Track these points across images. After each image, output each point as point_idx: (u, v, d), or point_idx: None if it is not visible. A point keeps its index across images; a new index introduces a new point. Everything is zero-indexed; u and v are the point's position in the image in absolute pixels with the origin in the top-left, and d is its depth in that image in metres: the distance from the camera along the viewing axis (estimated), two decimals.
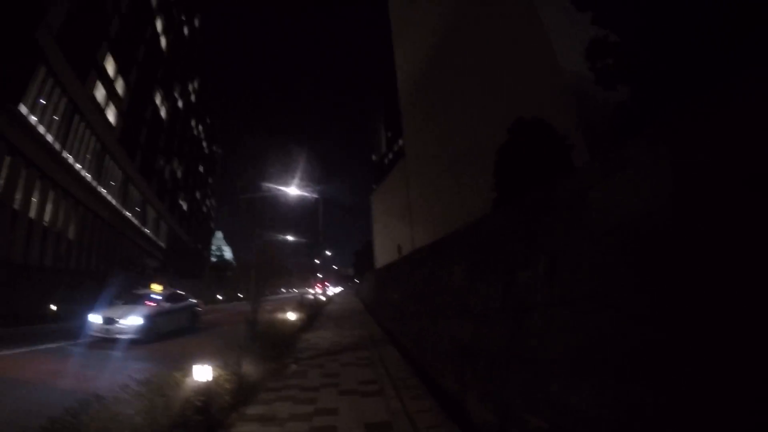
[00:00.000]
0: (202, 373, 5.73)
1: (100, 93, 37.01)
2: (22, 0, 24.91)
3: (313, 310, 24.24)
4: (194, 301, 19.76)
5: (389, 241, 35.45)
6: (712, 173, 2.49)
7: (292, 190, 21.01)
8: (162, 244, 52.96)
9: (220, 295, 46.98)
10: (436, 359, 7.85)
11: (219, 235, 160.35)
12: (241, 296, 41.98)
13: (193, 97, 67.96)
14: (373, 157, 45.50)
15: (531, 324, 4.46)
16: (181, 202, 67.07)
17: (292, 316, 16.57)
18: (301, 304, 22.12)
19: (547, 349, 4.05)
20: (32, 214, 28.88)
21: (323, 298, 39.15)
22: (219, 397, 6.08)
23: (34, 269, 26.58)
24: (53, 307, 21.48)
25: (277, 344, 11.25)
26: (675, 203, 2.72)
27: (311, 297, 36.75)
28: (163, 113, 53.73)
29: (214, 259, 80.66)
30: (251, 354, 8.68)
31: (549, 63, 15.44)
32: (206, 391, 5.67)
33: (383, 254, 37.64)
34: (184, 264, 46.66)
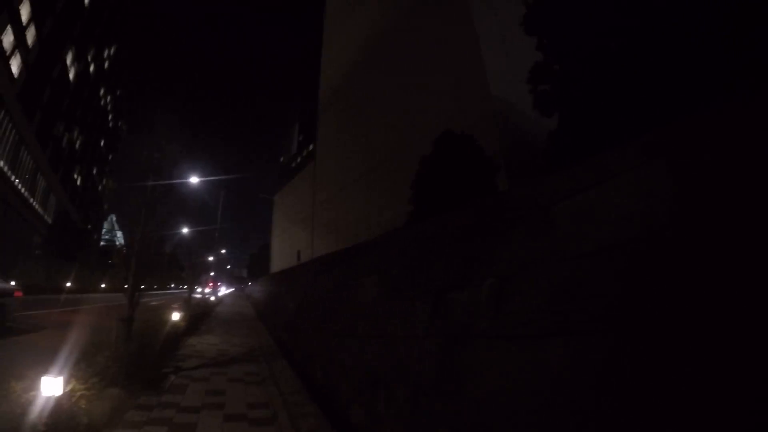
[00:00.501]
0: (52, 386, 4.50)
1: (7, 39, 33.08)
2: None
3: (201, 312, 22.51)
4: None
5: (288, 246, 34.28)
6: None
7: (194, 179, 19.96)
8: (48, 220, 48.22)
9: (105, 283, 43.48)
10: (340, 384, 6.97)
11: (113, 218, 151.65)
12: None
13: (106, 64, 62.85)
14: (282, 159, 44.07)
15: (467, 356, 3.73)
16: (76, 177, 60.89)
17: (176, 316, 14.99)
18: (188, 304, 20.42)
19: (489, 390, 3.33)
20: None
21: (213, 299, 37.09)
22: (72, 420, 4.82)
23: None
24: None
25: (155, 349, 9.93)
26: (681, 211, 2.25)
27: (201, 296, 34.74)
28: (71, 75, 48.71)
29: (103, 243, 75.06)
30: (121, 361, 7.43)
31: (480, 84, 15.42)
32: (56, 411, 4.47)
33: (281, 259, 36.33)
34: (70, 244, 42.75)
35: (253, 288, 51.11)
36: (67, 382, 4.88)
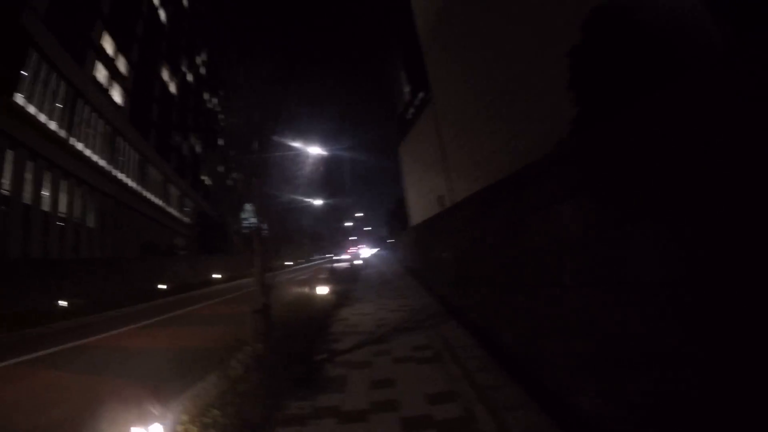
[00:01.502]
0: None
1: (101, 74, 35.54)
2: None
3: (349, 278, 21.79)
4: None
5: (424, 194, 32.28)
6: None
7: (315, 150, 19.57)
8: (188, 222, 51.68)
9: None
10: (545, 354, 5.10)
11: (248, 207, 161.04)
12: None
13: (202, 70, 65.38)
14: (397, 109, 42.06)
15: None
16: (204, 178, 64.39)
17: (322, 289, 14.03)
18: (333, 272, 19.71)
19: None
20: (45, 206, 27.77)
21: (359, 262, 36.75)
22: None
23: (42, 263, 24.54)
24: (63, 303, 19.25)
25: (303, 334, 8.81)
26: None
27: (345, 262, 34.52)
28: (172, 88, 51.65)
29: (245, 232, 79.09)
30: (261, 363, 6.34)
31: None
32: None
33: (419, 210, 34.50)
34: (211, 239, 45.43)
35: (397, 244, 50.82)
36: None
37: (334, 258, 33.58)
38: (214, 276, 35.96)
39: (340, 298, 14.74)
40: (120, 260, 30.16)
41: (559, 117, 9.97)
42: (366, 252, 63.33)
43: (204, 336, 11.59)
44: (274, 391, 5.67)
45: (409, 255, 28.14)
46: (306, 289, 14.97)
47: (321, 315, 11.53)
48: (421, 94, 34.09)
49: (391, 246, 66.74)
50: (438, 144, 26.82)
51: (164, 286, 27.23)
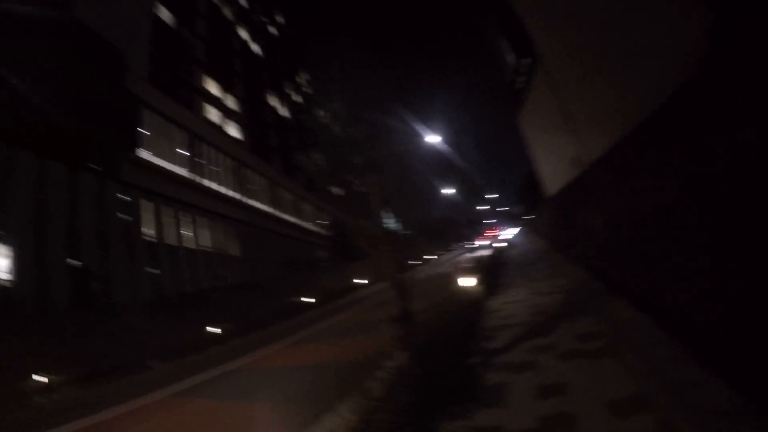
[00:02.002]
0: None
1: (213, 114, 38.25)
2: (104, 61, 26.58)
3: (493, 264, 20.78)
4: None
5: (554, 162, 30.14)
6: None
7: (435, 138, 19.60)
8: (325, 233, 53.52)
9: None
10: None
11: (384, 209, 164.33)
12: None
13: (307, 89, 67.49)
14: (506, 79, 39.80)
15: None
16: (333, 189, 66.08)
17: (466, 280, 13.23)
18: (475, 260, 18.84)
19: None
20: (189, 244, 30.35)
21: (500, 245, 35.37)
22: None
23: (194, 295, 27.25)
24: (215, 330, 20.62)
25: (451, 332, 8.19)
26: None
27: (486, 248, 33.38)
28: (283, 112, 53.84)
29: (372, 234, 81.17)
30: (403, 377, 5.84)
31: None
32: None
33: (552, 178, 32.18)
34: (349, 247, 46.89)
35: (535, 220, 48.71)
36: None
37: (474, 245, 32.32)
38: (357, 282, 36.37)
39: (487, 287, 13.84)
40: (264, 281, 31.94)
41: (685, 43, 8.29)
42: (506, 233, 61.31)
43: (345, 350, 11.39)
44: (422, 411, 5.03)
45: (550, 229, 26.43)
46: (449, 283, 14.29)
47: (469, 309, 10.80)
48: (527, 60, 32.07)
49: (530, 223, 64.07)
50: (557, 105, 24.84)
51: (309, 300, 28.13)
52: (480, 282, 13.38)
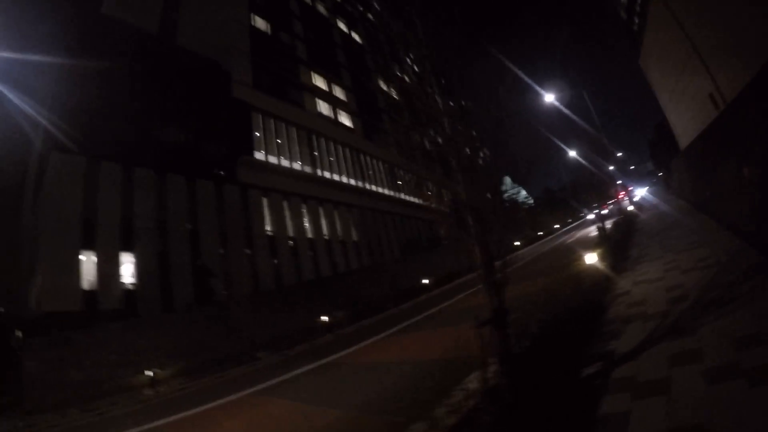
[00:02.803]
0: None
1: (324, 107, 38.50)
2: (209, 77, 28.57)
3: (624, 231, 18.12)
4: None
5: (688, 104, 25.83)
6: None
7: (550, 97, 19.87)
8: (446, 210, 52.51)
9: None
10: None
11: (507, 180, 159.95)
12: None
13: (415, 67, 66.14)
14: (620, 21, 34.98)
15: None
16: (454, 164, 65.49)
17: (590, 256, 11.16)
18: (601, 229, 16.38)
19: None
20: (310, 234, 31.36)
21: (631, 208, 31.48)
22: None
23: (312, 284, 27.87)
24: (325, 318, 20.40)
25: (566, 325, 6.62)
26: None
27: (615, 213, 29.95)
28: (394, 94, 52.53)
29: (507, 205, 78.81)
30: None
31: None
32: None
33: (687, 126, 27.84)
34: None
35: (668, 177, 43.72)
36: None
37: (601, 213, 28.92)
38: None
39: (615, 261, 11.66)
40: (382, 265, 31.54)
41: None
42: (637, 193, 55.58)
43: (447, 342, 10.29)
44: None
45: (687, 185, 22.85)
46: (568, 261, 12.31)
47: (591, 293, 8.87)
48: None
49: (663, 180, 57.77)
50: (683, 36, 21.04)
51: (427, 281, 27.27)
52: (605, 256, 11.24)
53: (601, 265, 10.41)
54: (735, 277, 7.15)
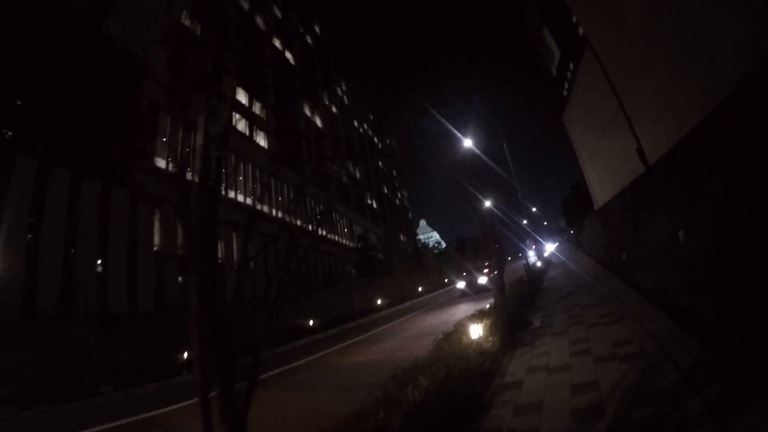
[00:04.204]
0: None
1: (241, 123, 35.48)
2: (121, 65, 24.18)
3: (525, 292, 15.43)
4: None
5: (609, 163, 24.02)
6: None
7: (469, 143, 18.88)
8: (354, 246, 49.92)
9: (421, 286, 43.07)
10: None
11: (423, 222, 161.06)
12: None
13: (345, 99, 64.39)
14: (546, 73, 34.18)
15: None
16: (370, 201, 64.38)
17: (475, 329, 8.09)
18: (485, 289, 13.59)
19: None
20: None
21: (538, 264, 29.54)
22: None
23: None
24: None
25: None
26: None
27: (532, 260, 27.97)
28: (318, 122, 50.22)
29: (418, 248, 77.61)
30: None
31: None
32: None
33: (605, 184, 26.02)
34: (375, 263, 43.13)
35: (580, 235, 43.51)
36: None
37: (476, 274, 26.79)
38: (380, 302, 33.14)
39: (510, 331, 8.85)
40: (265, 299, 28.43)
41: None
42: (547, 248, 54.68)
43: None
44: None
45: (600, 245, 21.11)
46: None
47: (467, 379, 5.92)
48: (571, 48, 27.06)
49: (573, 238, 57.89)
50: (612, 98, 19.35)
51: (312, 323, 25.26)
52: (495, 329, 8.31)
53: (488, 342, 7.48)
54: (671, 382, 4.57)
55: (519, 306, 11.75)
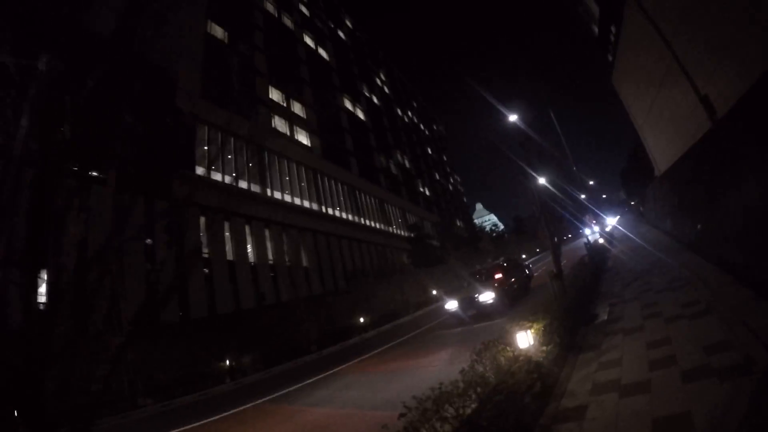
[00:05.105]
0: None
1: (279, 123, 34.04)
2: (152, 81, 23.50)
3: (585, 275, 13.21)
4: None
5: (668, 125, 21.37)
6: None
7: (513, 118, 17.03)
8: (408, 236, 48.54)
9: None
10: None
11: (479, 206, 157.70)
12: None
13: (386, 89, 62.80)
14: (592, 29, 31.23)
15: None
16: (422, 189, 63.13)
17: (522, 338, 6.01)
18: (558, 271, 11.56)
19: None
20: (252, 259, 26.65)
21: (602, 241, 26.83)
22: None
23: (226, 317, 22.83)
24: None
25: None
26: None
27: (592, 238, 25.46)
28: (360, 115, 49.00)
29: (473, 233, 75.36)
30: None
31: None
32: None
33: (667, 147, 23.16)
34: (431, 250, 41.85)
35: (640, 205, 40.41)
36: None
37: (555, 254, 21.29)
38: (435, 293, 31.74)
39: (570, 331, 7.26)
40: (321, 297, 28.01)
41: None
42: (609, 222, 51.41)
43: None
44: None
45: (668, 215, 18.78)
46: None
47: (511, 404, 4.48)
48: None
49: (635, 210, 54.06)
50: (663, 50, 16.83)
51: (363, 320, 24.17)
52: (547, 335, 6.48)
53: (539, 352, 5.81)
54: None
55: (580, 294, 10.01)
